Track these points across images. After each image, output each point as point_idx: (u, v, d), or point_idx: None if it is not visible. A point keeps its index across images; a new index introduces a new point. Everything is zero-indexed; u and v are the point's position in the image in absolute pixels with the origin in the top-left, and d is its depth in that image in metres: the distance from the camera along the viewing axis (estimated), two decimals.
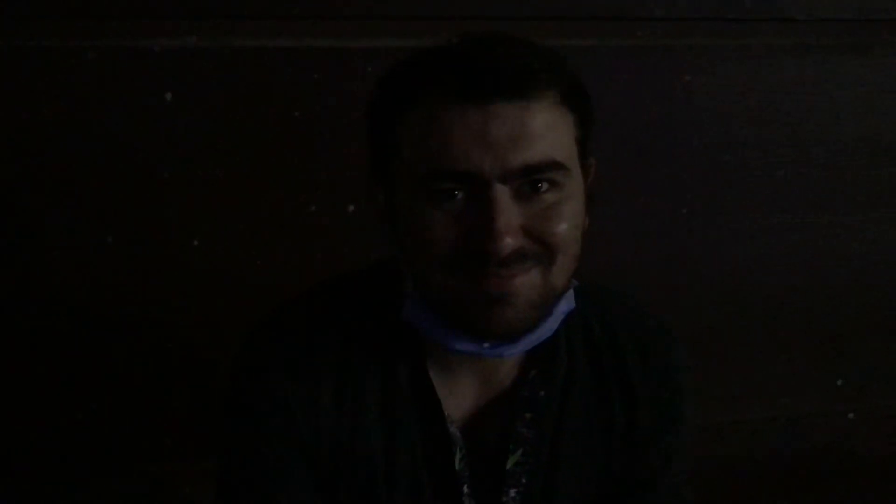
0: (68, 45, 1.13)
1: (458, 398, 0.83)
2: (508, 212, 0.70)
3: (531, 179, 0.71)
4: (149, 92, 1.16)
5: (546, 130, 0.71)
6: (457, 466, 0.82)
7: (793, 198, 1.38)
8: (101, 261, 1.19)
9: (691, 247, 1.37)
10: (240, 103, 1.18)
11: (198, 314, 1.22)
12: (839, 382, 1.47)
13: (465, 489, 0.83)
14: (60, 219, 1.17)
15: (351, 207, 1.23)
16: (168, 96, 1.16)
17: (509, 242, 0.70)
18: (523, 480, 0.84)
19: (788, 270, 1.41)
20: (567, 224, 0.73)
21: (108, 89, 1.14)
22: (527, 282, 0.73)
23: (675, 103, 1.31)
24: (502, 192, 0.70)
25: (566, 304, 0.78)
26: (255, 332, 0.84)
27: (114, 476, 1.25)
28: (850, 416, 1.49)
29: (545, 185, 0.72)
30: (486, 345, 0.76)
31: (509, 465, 0.83)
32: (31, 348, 1.20)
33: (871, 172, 1.40)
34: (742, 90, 1.33)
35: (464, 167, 0.70)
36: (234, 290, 1.21)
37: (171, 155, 1.18)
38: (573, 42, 1.25)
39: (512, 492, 0.84)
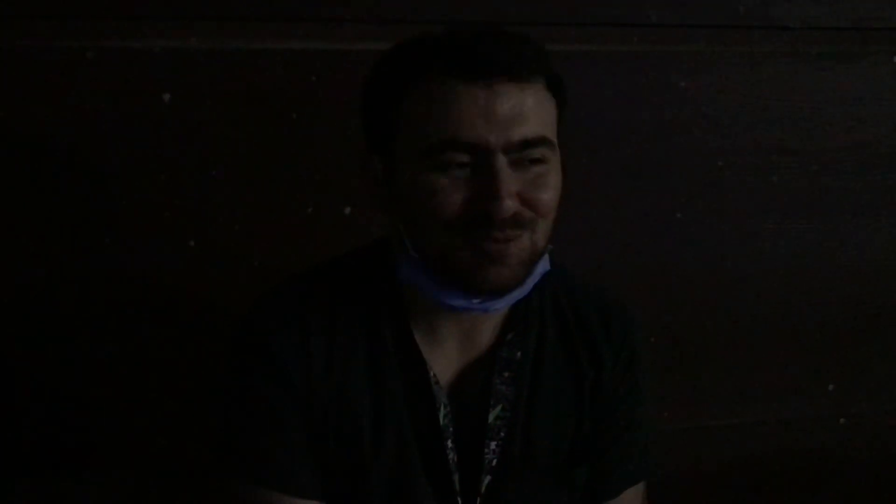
0: (67, 46, 1.14)
1: (441, 358, 0.92)
2: (509, 179, 0.79)
3: (524, 153, 0.80)
4: (147, 92, 1.16)
5: (539, 110, 0.81)
6: (441, 422, 0.90)
7: (785, 203, 1.39)
8: (98, 260, 1.19)
9: (684, 251, 1.37)
10: (237, 105, 1.19)
11: (193, 314, 1.23)
12: (830, 387, 1.48)
13: (449, 443, 0.91)
14: (56, 219, 1.18)
15: (347, 209, 1.24)
16: (166, 97, 1.17)
17: (510, 205, 0.79)
18: (502, 434, 0.92)
19: (781, 275, 1.42)
20: (552, 192, 0.83)
21: (107, 89, 1.15)
22: (519, 244, 0.82)
23: (669, 109, 1.32)
24: (503, 162, 0.79)
25: (543, 265, 0.88)
26: (257, 299, 0.92)
27: (106, 474, 1.24)
28: (842, 420, 1.50)
29: (536, 158, 0.82)
30: (476, 300, 0.84)
31: (490, 419, 0.92)
32: (24, 348, 1.20)
33: (861, 179, 1.41)
34: (736, 96, 1.34)
35: (472, 138, 0.78)
36: (230, 290, 1.21)
37: (168, 155, 1.18)
38: (569, 47, 1.26)
39: (492, 444, 0.92)
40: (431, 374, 0.90)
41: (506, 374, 0.92)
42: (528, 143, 0.80)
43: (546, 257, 0.88)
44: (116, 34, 1.14)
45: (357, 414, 0.89)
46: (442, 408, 0.90)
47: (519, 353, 0.93)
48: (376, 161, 0.87)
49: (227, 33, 1.17)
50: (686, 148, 1.34)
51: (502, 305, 0.87)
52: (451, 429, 0.91)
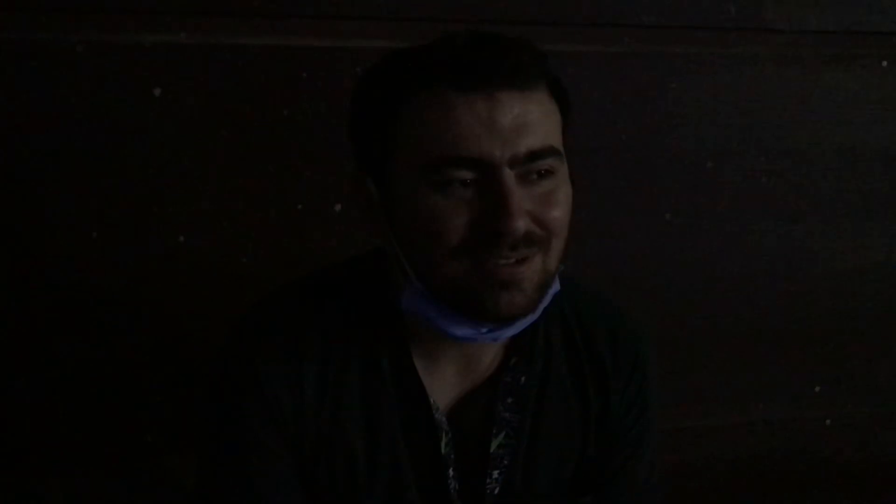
0: (57, 39, 1.13)
1: (441, 385, 0.86)
2: (518, 194, 0.73)
3: (532, 165, 0.75)
4: (137, 87, 1.15)
5: (543, 118, 0.76)
6: (442, 451, 0.85)
7: (775, 205, 1.40)
8: (86, 256, 1.18)
9: (673, 252, 1.38)
10: (228, 100, 1.18)
11: (182, 310, 1.22)
12: (817, 388, 1.49)
13: (451, 472, 0.86)
14: (45, 213, 1.17)
15: (338, 206, 1.23)
16: (157, 91, 1.16)
17: (521, 223, 0.73)
18: (505, 462, 0.87)
19: (768, 277, 1.42)
20: (562, 209, 0.77)
21: (97, 84, 1.14)
22: (532, 266, 0.76)
23: (660, 110, 1.33)
24: (510, 177, 0.73)
25: (554, 286, 0.82)
26: (242, 320, 0.86)
27: (96, 472, 1.24)
28: (828, 422, 1.51)
29: (544, 171, 0.76)
30: (484, 329, 0.79)
31: (492, 447, 0.87)
32: (10, 344, 1.19)
33: (850, 182, 1.42)
34: (726, 98, 1.34)
35: (475, 153, 0.72)
36: (220, 286, 1.21)
37: (158, 150, 1.18)
38: (562, 47, 1.26)
39: (495, 473, 0.87)
40: (432, 400, 0.85)
41: (509, 401, 0.87)
42: (535, 155, 0.74)
43: (556, 278, 0.82)
44: (107, 28, 1.14)
45: (351, 445, 0.83)
46: (444, 436, 0.85)
47: (523, 378, 0.87)
48: (369, 183, 0.80)
49: (218, 29, 1.16)
50: (676, 149, 1.34)
51: (511, 333, 0.81)
52: (452, 457, 0.86)
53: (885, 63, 1.40)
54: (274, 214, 1.22)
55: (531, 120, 0.74)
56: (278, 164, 1.21)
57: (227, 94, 1.18)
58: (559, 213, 0.77)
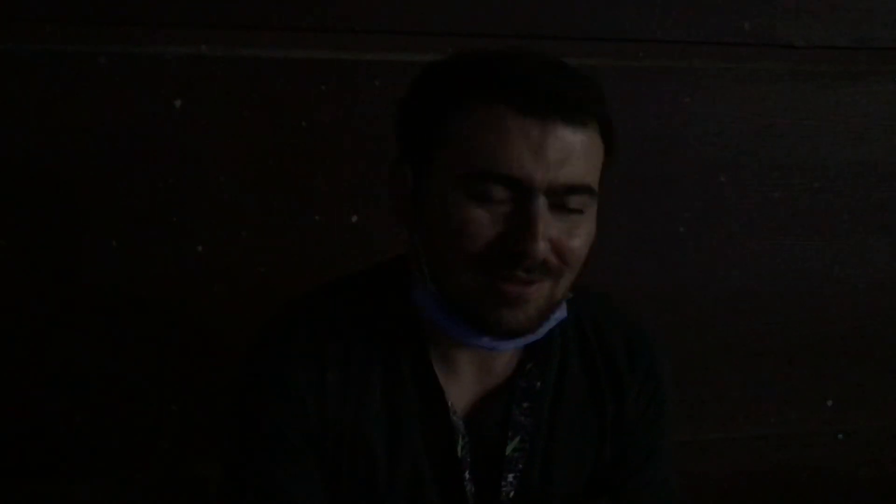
0: (80, 51, 1.15)
1: (459, 388, 0.89)
2: (546, 221, 0.76)
3: (566, 198, 0.77)
4: (158, 98, 1.17)
5: (588, 155, 0.78)
6: (459, 454, 0.87)
7: (787, 220, 1.40)
8: (105, 264, 1.20)
9: (686, 265, 1.38)
10: (247, 112, 1.20)
11: (199, 319, 1.23)
12: (829, 403, 1.49)
13: (467, 475, 0.87)
14: (66, 222, 1.18)
15: (354, 217, 1.24)
16: (177, 103, 1.18)
17: (543, 248, 0.75)
18: (520, 466, 0.89)
19: (781, 291, 1.43)
20: (583, 243, 0.80)
21: (119, 95, 1.16)
22: (539, 290, 0.79)
23: (674, 124, 1.33)
24: (544, 204, 0.76)
25: (560, 312, 0.85)
26: (267, 323, 0.88)
27: (109, 478, 1.25)
28: (840, 436, 1.51)
29: (575, 207, 0.78)
30: (486, 339, 0.81)
31: (508, 451, 0.88)
32: (31, 350, 1.20)
33: (863, 197, 1.42)
34: (740, 113, 1.35)
35: (517, 174, 0.75)
36: (237, 296, 1.22)
37: (177, 161, 1.19)
38: (577, 62, 1.25)
39: (510, 476, 0.89)
40: (449, 403, 0.87)
41: (525, 405, 0.89)
42: (571, 189, 0.77)
43: (563, 304, 0.84)
44: (128, 41, 1.15)
45: (372, 446, 0.86)
46: (460, 439, 0.87)
47: (539, 383, 0.89)
48: (408, 172, 0.82)
49: (238, 41, 1.18)
50: (689, 163, 1.35)
51: (510, 347, 0.84)
52: (468, 460, 0.87)
53: None
54: (291, 225, 1.23)
55: (576, 155, 0.76)
56: (296, 175, 1.22)
57: (246, 106, 1.20)
58: (578, 246, 0.79)
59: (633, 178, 1.33)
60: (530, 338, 0.83)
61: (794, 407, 1.48)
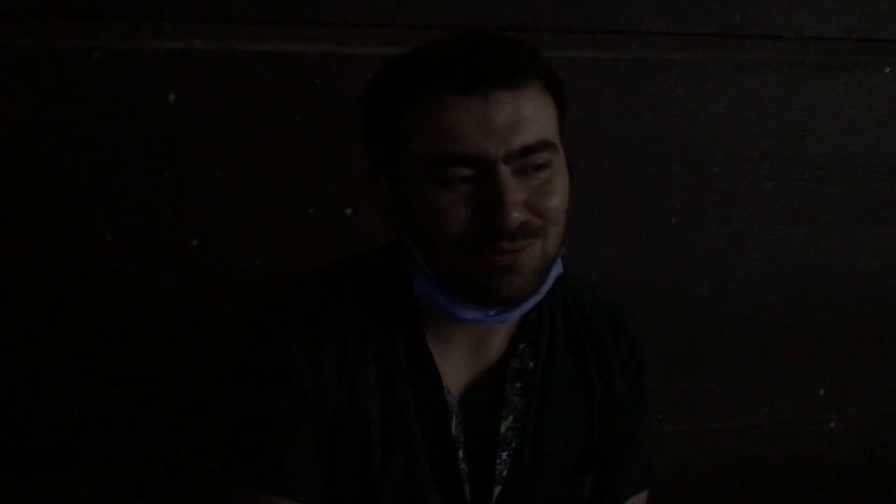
0: (73, 46, 1.14)
1: (453, 368, 0.91)
2: (513, 188, 0.78)
3: (527, 159, 0.79)
4: (152, 93, 1.17)
5: (537, 114, 0.80)
6: (453, 432, 0.89)
7: (779, 210, 1.41)
8: (100, 259, 1.20)
9: (678, 255, 1.39)
10: (241, 106, 1.20)
11: (194, 313, 1.23)
12: (821, 391, 1.50)
13: (461, 453, 0.90)
14: (60, 217, 1.19)
15: (349, 211, 1.25)
16: (171, 97, 1.18)
17: (517, 216, 0.77)
18: (513, 444, 0.92)
19: (773, 280, 1.44)
20: (559, 197, 0.81)
21: (113, 89, 1.16)
22: (530, 253, 0.81)
23: (666, 115, 1.34)
24: (506, 172, 0.78)
25: (556, 269, 0.86)
26: (265, 305, 0.91)
27: (108, 471, 1.25)
28: (832, 424, 1.52)
29: (539, 164, 0.80)
30: (491, 312, 0.83)
31: (502, 429, 0.91)
32: (26, 345, 1.20)
33: (854, 187, 1.44)
34: (731, 104, 1.36)
35: (471, 152, 0.77)
36: (232, 290, 1.22)
37: (172, 155, 1.19)
38: (569, 54, 1.28)
39: (503, 455, 0.91)
40: (444, 383, 0.89)
41: (518, 385, 0.91)
42: (529, 150, 0.78)
43: (559, 261, 0.87)
44: (122, 35, 1.15)
45: (367, 423, 0.88)
46: (454, 418, 0.89)
47: (531, 364, 0.92)
48: (382, 180, 0.85)
49: (232, 35, 1.18)
50: (681, 154, 1.36)
51: (517, 314, 0.86)
52: (462, 439, 0.90)
53: (888, 69, 1.41)
54: (286, 218, 1.24)
55: (524, 117, 0.78)
56: (290, 169, 1.23)
57: (240, 100, 1.20)
58: (555, 203, 0.81)
59: (626, 168, 1.34)
60: (533, 300, 0.84)
61: (787, 395, 1.49)
